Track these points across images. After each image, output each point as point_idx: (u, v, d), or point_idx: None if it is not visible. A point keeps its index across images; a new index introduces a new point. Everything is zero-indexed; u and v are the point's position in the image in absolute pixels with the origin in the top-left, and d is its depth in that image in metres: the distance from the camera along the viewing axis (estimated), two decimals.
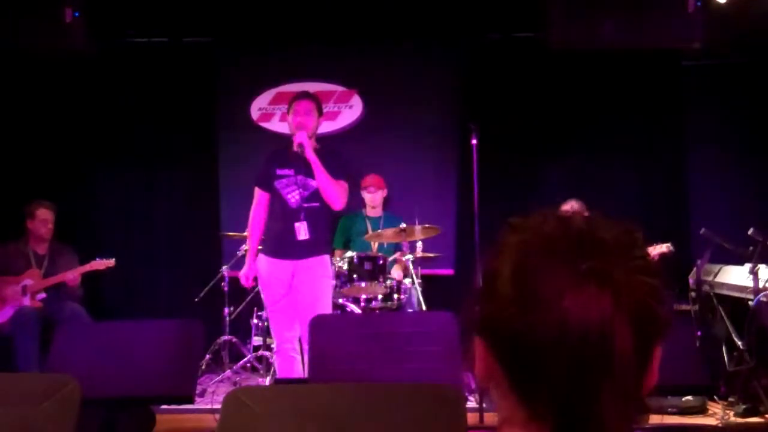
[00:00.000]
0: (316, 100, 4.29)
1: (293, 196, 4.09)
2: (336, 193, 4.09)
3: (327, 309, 4.18)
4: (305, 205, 4.07)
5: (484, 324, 0.78)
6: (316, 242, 4.12)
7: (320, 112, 4.25)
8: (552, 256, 0.75)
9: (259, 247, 4.30)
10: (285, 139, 4.46)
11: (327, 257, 4.24)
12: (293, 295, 4.08)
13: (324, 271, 4.18)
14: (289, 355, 4.12)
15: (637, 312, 0.73)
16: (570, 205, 5.13)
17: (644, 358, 0.75)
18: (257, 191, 4.25)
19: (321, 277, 4.14)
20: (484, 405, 3.91)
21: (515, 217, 0.82)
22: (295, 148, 4.05)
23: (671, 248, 4.93)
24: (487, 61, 6.33)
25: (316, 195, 4.09)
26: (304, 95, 4.29)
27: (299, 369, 4.08)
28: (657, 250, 4.93)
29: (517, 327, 0.73)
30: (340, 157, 4.28)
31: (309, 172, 4.07)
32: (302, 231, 4.05)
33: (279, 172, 4.14)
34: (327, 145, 4.37)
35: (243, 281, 4.30)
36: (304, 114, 4.14)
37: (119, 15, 5.95)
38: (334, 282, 4.56)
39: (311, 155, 4.03)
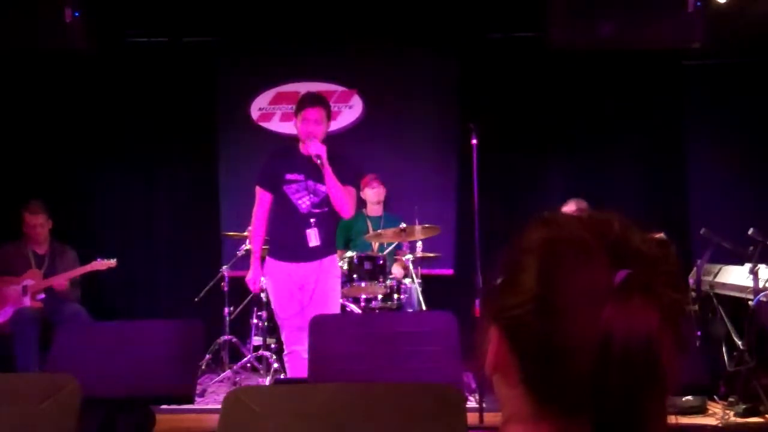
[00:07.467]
0: (326, 106, 4.13)
1: (304, 202, 4.03)
2: (347, 202, 4.03)
3: (336, 308, 4.17)
4: (316, 210, 4.01)
5: (503, 314, 0.76)
6: (326, 245, 4.09)
7: (329, 117, 4.11)
8: (586, 259, 0.72)
9: (265, 247, 4.26)
10: (290, 139, 4.38)
11: (336, 256, 4.23)
12: (306, 296, 4.04)
13: (335, 271, 4.17)
14: (302, 357, 4.06)
15: (676, 328, 0.72)
16: (573, 206, 5.05)
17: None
18: (260, 191, 4.13)
19: (332, 276, 4.13)
20: (484, 405, 3.90)
21: (546, 212, 0.79)
22: (314, 159, 3.94)
23: (664, 237, 4.91)
24: (487, 61, 6.32)
25: (326, 200, 4.04)
26: (315, 101, 4.09)
27: None
28: None
29: (539, 325, 0.71)
30: (347, 161, 4.18)
31: (319, 177, 4.00)
32: (313, 237, 4.00)
33: (288, 176, 4.03)
34: (334, 149, 4.25)
35: (250, 286, 4.24)
36: (315, 123, 4.00)
37: (119, 15, 5.95)
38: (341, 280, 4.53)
39: (327, 167, 3.94)
